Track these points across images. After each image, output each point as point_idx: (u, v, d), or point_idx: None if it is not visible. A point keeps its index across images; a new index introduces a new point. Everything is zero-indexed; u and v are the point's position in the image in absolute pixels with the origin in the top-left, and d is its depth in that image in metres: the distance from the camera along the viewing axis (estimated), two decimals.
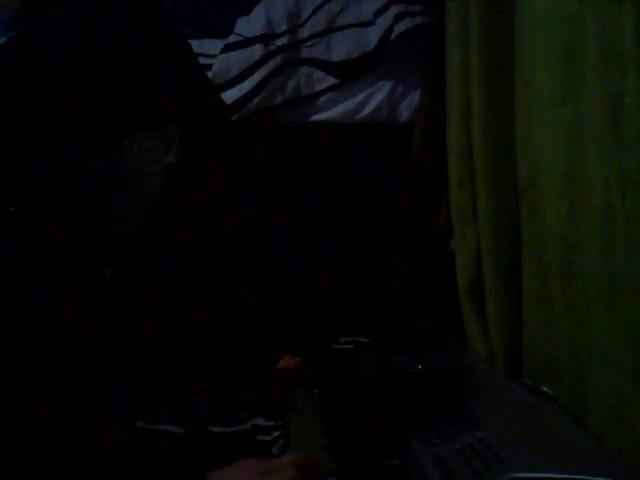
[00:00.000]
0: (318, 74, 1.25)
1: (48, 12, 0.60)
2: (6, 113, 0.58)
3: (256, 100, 1.23)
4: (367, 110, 1.27)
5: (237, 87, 1.22)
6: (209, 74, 1.19)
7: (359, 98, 1.26)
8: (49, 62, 0.58)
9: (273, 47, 1.24)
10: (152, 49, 0.63)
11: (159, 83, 0.63)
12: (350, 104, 1.27)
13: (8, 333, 0.56)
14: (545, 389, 0.86)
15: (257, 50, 1.23)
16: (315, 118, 1.28)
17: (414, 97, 1.27)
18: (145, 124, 0.62)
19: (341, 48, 1.25)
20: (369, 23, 1.26)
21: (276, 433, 0.91)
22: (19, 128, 0.59)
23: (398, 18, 1.22)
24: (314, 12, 1.28)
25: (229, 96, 1.21)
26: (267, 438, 0.96)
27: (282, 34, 1.25)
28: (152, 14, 0.65)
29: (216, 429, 0.96)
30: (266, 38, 1.25)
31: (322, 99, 1.26)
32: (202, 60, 1.08)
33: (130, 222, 0.65)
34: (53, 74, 0.58)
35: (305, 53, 1.26)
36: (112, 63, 0.59)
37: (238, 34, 1.24)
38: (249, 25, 1.26)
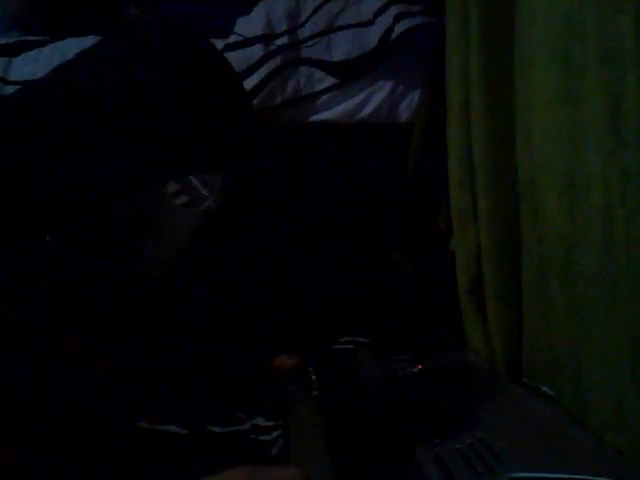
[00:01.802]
0: (318, 74, 1.25)
1: (100, 55, 0.59)
2: (47, 147, 0.57)
3: (256, 100, 1.23)
4: (367, 110, 1.27)
5: None
6: None
7: (359, 98, 1.26)
8: (99, 100, 0.57)
9: (273, 47, 1.24)
10: (207, 94, 0.61)
11: (212, 130, 0.61)
12: (350, 104, 1.27)
13: (32, 357, 0.56)
14: (545, 389, 0.86)
15: (257, 50, 1.23)
16: (315, 118, 1.28)
17: (414, 97, 1.27)
18: (192, 169, 0.61)
19: (341, 48, 1.25)
20: (369, 23, 1.26)
21: (276, 433, 0.91)
22: (61, 161, 0.58)
23: (398, 18, 1.22)
24: (314, 12, 1.28)
25: None
26: (267, 438, 0.96)
27: (282, 34, 1.25)
28: (213, 62, 0.63)
29: (216, 429, 0.96)
30: (266, 38, 1.25)
31: (322, 99, 1.26)
32: None
33: (160, 261, 0.64)
34: (101, 112, 0.57)
35: (305, 53, 1.26)
36: (166, 105, 0.58)
37: (238, 34, 1.24)
38: (249, 25, 1.26)
